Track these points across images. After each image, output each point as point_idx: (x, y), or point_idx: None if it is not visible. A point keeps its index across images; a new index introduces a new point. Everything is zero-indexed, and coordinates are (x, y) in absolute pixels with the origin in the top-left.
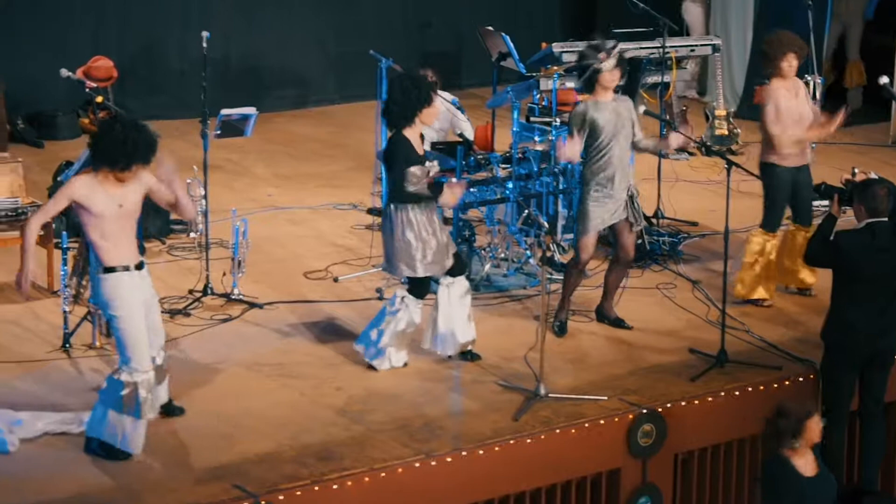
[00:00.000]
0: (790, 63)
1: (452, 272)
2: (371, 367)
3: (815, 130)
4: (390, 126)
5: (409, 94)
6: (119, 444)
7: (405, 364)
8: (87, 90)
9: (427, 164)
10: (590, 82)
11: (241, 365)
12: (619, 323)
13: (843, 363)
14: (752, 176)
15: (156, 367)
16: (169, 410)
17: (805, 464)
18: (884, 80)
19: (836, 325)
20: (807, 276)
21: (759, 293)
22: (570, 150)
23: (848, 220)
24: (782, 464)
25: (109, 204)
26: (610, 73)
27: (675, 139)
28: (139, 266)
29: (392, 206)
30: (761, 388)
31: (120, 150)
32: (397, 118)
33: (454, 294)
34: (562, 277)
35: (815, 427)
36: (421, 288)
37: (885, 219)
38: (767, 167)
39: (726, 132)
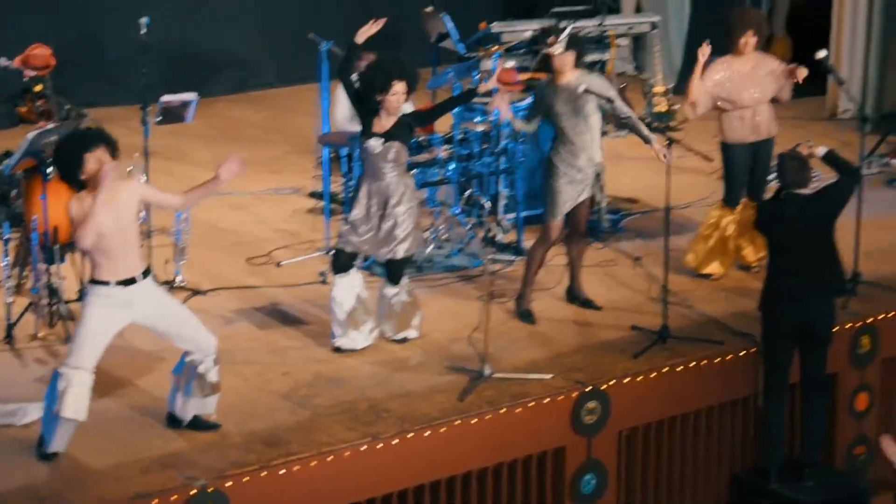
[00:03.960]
0: (748, 41)
1: (390, 277)
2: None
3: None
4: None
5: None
6: (44, 433)
7: (365, 346)
8: (25, 79)
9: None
10: (545, 66)
11: None
12: (588, 304)
13: (771, 333)
14: (692, 152)
15: (198, 375)
16: (203, 425)
17: None
18: (822, 54)
19: (764, 295)
20: (749, 253)
21: (712, 268)
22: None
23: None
24: None
25: (106, 218)
26: (560, 58)
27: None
28: (130, 281)
29: None
30: (703, 363)
31: (65, 155)
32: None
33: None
34: (504, 258)
35: None
36: (334, 261)
37: (798, 190)
38: (723, 144)
39: (665, 109)
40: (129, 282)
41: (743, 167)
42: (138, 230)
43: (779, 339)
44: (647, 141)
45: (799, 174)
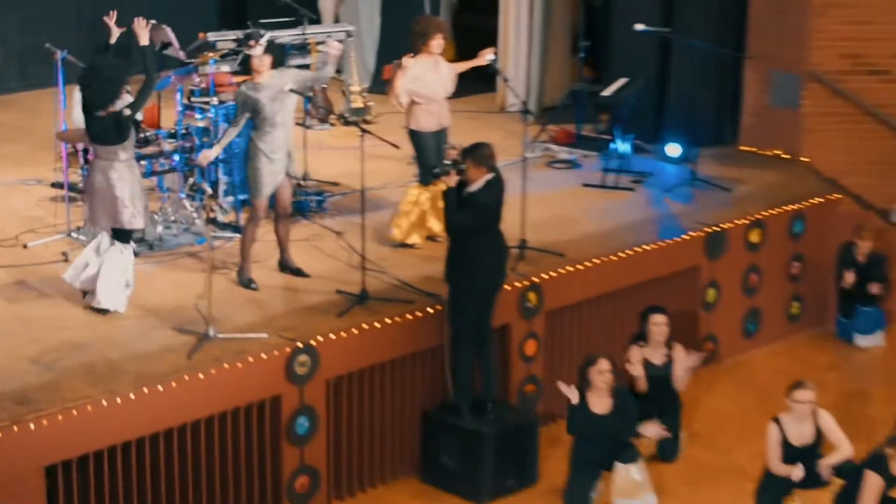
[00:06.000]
0: (438, 42)
1: None
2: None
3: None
4: None
5: None
6: None
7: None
8: None
9: None
10: (246, 67)
11: None
12: (298, 272)
13: (478, 299)
14: (383, 142)
15: None
16: None
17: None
18: (490, 57)
19: (473, 268)
20: (434, 225)
21: (413, 238)
22: (205, 158)
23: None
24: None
25: None
26: (259, 59)
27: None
28: None
29: None
30: (397, 319)
31: None
32: None
33: None
34: (225, 234)
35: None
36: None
37: (494, 172)
38: (414, 132)
39: (361, 105)
40: None
41: (434, 150)
42: None
43: (481, 300)
44: (338, 72)
45: (494, 158)
